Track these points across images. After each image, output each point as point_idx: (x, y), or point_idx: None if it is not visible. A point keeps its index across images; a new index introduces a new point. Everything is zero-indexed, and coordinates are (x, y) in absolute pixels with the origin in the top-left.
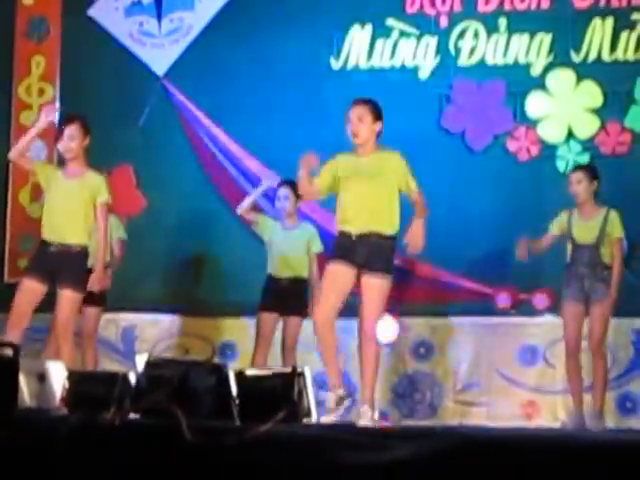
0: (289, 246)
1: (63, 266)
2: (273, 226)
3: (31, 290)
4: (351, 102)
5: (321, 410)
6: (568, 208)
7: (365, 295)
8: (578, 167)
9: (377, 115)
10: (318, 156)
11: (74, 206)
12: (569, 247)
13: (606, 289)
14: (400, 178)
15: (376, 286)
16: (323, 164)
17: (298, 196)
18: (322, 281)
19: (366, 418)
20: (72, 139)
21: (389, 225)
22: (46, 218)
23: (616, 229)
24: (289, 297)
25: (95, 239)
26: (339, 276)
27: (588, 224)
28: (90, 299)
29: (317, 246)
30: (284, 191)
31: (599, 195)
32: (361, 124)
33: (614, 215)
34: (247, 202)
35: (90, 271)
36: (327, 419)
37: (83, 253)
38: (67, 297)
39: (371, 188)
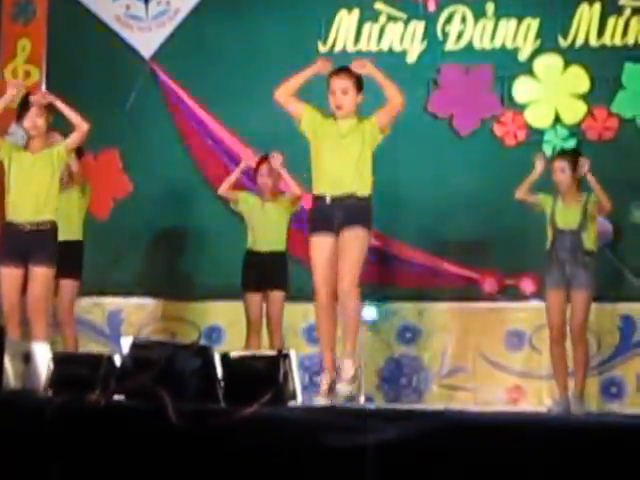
0: (268, 219)
1: (35, 244)
2: (252, 201)
3: (12, 277)
4: (335, 71)
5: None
6: (550, 193)
7: (342, 249)
8: (561, 154)
9: (360, 87)
10: (331, 63)
11: (39, 183)
12: (549, 233)
13: (587, 275)
14: (373, 131)
15: (353, 237)
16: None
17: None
18: (311, 258)
19: (347, 373)
20: (38, 116)
21: (363, 187)
22: (13, 198)
23: (595, 200)
24: (270, 271)
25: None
26: (324, 250)
27: (570, 209)
28: (64, 271)
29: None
30: (266, 166)
31: (583, 181)
32: (345, 97)
33: (594, 197)
34: (227, 182)
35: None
36: (320, 401)
37: (53, 229)
38: (41, 274)
39: (346, 151)
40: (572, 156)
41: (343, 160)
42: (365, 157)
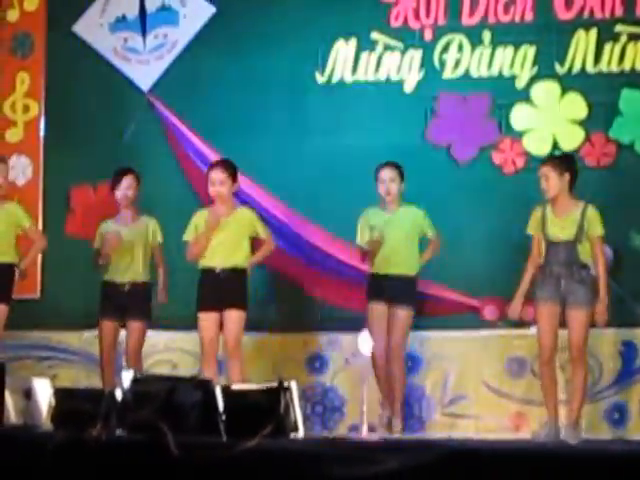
0: (225, 234)
1: (131, 301)
2: (201, 217)
3: (109, 329)
4: (382, 164)
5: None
6: (541, 203)
7: (393, 323)
8: (546, 160)
9: (403, 177)
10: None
11: (135, 250)
12: (543, 245)
13: (585, 292)
14: (421, 227)
15: (401, 316)
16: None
17: (235, 179)
18: (367, 321)
19: (397, 427)
20: (130, 189)
21: (410, 267)
22: (113, 264)
23: (596, 227)
24: (228, 289)
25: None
26: (379, 314)
27: (563, 220)
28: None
29: (262, 230)
30: (219, 174)
31: (575, 189)
32: (393, 184)
33: (593, 212)
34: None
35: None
36: (374, 436)
37: (147, 288)
38: (136, 328)
39: (396, 237)
40: (558, 160)
41: (391, 244)
42: (412, 240)
